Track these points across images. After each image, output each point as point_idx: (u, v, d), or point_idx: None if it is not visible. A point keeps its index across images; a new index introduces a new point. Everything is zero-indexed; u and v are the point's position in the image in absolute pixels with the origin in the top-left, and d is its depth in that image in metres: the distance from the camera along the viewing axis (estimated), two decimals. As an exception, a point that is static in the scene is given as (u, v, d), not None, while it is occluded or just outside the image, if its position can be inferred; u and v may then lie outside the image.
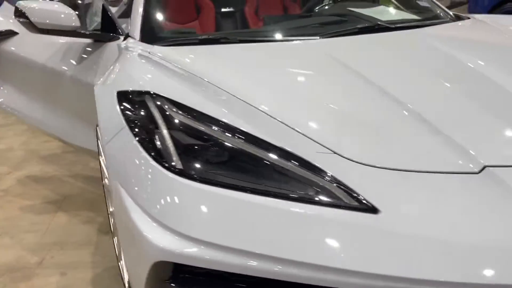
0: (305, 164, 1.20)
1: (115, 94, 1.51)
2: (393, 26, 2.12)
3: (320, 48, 1.82)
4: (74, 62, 2.41)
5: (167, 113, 1.36)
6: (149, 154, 1.27)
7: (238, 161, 1.24)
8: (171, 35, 2.26)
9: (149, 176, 1.25)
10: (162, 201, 1.20)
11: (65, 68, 2.46)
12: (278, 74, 1.63)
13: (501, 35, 2.06)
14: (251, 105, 1.38)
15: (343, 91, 1.49)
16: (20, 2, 2.22)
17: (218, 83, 1.50)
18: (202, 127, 1.31)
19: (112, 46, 2.20)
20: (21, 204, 2.73)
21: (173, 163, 1.23)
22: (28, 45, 2.74)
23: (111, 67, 1.86)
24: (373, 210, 1.09)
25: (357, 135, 1.30)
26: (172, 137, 1.29)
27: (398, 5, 2.56)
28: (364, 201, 1.11)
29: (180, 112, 1.35)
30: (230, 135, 1.27)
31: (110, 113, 1.49)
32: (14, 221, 2.54)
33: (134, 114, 1.40)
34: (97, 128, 1.85)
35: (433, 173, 1.18)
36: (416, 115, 1.34)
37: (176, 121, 1.33)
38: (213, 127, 1.30)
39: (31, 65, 2.69)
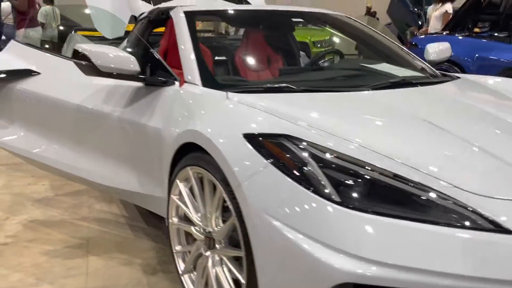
0: (442, 195, 1.46)
1: (241, 136, 1.66)
2: (414, 81, 2.52)
3: (388, 101, 2.12)
4: (122, 104, 2.44)
5: (308, 150, 1.55)
6: (307, 188, 1.46)
7: (385, 193, 1.47)
8: (229, 82, 2.44)
9: (315, 208, 1.42)
10: (335, 230, 1.38)
11: (110, 110, 2.48)
12: (375, 124, 1.90)
13: (499, 94, 2.53)
14: (372, 149, 1.62)
15: (437, 137, 1.78)
16: (80, 45, 2.26)
17: (329, 129, 1.72)
18: (344, 163, 1.52)
19: (168, 91, 2.31)
20: (42, 250, 2.60)
21: (332, 195, 1.43)
22: (56, 86, 2.70)
23: (197, 112, 2.00)
24: (507, 231, 1.38)
25: (470, 172, 1.60)
26: (322, 171, 1.48)
27: (398, 62, 2.98)
28: (499, 224, 1.40)
29: (316, 149, 1.56)
30: (373, 171, 1.50)
31: (243, 154, 1.63)
32: (44, 267, 2.42)
33: (275, 153, 1.57)
34: (188, 168, 1.93)
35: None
36: (501, 158, 1.67)
37: (318, 157, 1.53)
38: (353, 164, 1.52)
39: (60, 105, 2.65)
